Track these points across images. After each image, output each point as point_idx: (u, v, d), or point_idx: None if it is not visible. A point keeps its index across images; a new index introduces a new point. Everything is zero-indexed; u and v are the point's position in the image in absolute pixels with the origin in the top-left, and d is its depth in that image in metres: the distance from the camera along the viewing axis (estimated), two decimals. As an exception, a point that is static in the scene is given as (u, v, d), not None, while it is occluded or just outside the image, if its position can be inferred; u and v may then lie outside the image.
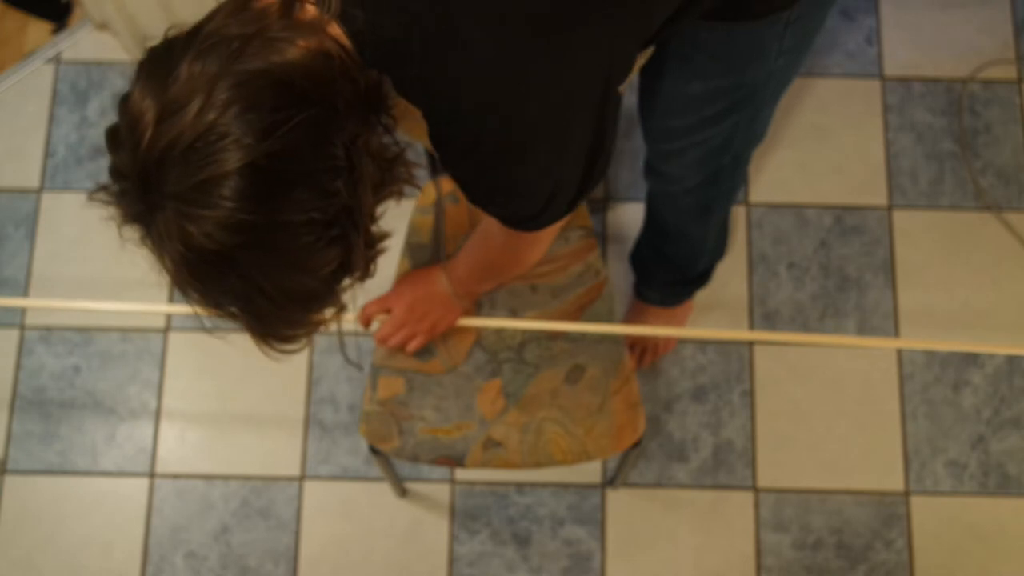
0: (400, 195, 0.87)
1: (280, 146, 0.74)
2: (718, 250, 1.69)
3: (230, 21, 0.77)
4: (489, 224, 1.08)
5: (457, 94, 0.83)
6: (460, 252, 1.29)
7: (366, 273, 0.87)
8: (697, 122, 1.22)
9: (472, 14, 0.80)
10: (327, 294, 0.85)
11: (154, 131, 0.74)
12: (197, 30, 0.78)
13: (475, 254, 1.23)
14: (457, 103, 0.84)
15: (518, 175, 0.92)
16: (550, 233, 1.06)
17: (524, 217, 0.99)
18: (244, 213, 0.74)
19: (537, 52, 0.83)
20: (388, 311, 1.33)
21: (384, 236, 0.87)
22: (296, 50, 0.76)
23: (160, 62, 0.77)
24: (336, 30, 0.80)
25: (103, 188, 0.81)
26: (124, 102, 0.78)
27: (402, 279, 1.36)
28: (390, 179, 0.84)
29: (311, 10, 0.80)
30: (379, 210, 0.86)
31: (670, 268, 1.69)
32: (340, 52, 0.79)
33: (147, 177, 0.75)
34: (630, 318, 1.81)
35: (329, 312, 0.88)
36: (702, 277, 1.71)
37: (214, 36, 0.76)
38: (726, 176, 1.40)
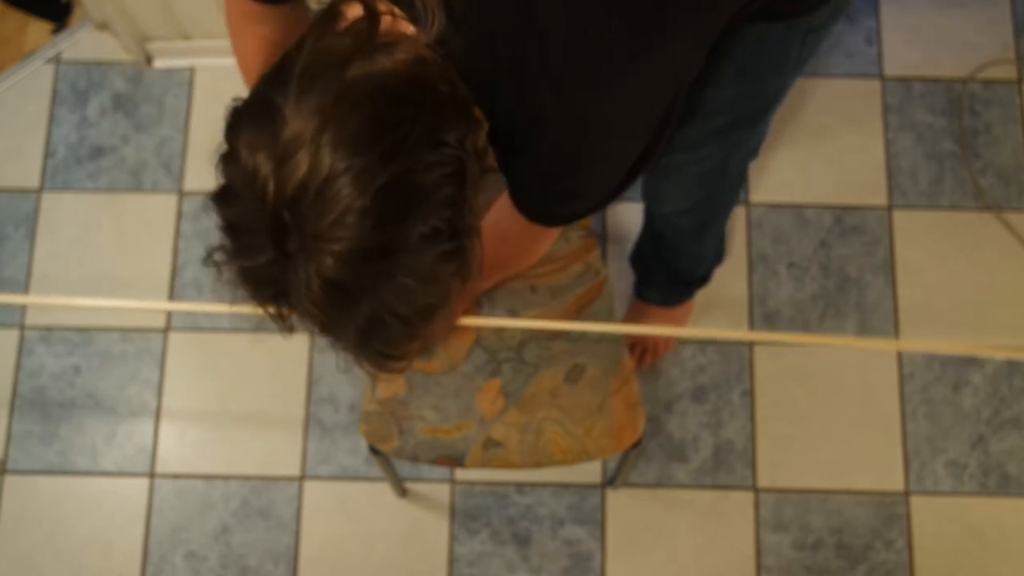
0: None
1: (405, 163, 0.73)
2: (717, 257, 1.69)
3: (323, 47, 0.75)
4: (499, 219, 1.09)
5: (542, 106, 0.83)
6: None
7: (474, 274, 0.85)
8: (702, 134, 1.21)
9: (561, 31, 0.80)
10: (446, 302, 0.83)
11: (276, 180, 0.72)
12: (287, 66, 0.75)
13: (486, 251, 1.23)
14: (542, 114, 0.84)
15: (587, 180, 0.93)
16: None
17: (569, 215, 1.00)
18: (380, 235, 0.73)
19: (622, 61, 0.82)
20: None
21: (478, 231, 0.85)
22: (396, 61, 0.75)
23: (260, 110, 0.75)
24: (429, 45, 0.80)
25: (214, 251, 0.79)
26: (230, 159, 0.76)
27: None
28: (482, 172, 0.83)
29: (407, 26, 0.79)
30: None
31: (670, 271, 1.69)
32: (435, 57, 0.78)
33: (280, 224, 0.73)
34: (631, 318, 1.81)
35: (443, 322, 0.86)
36: (702, 279, 1.71)
37: (312, 67, 0.74)
38: (720, 197, 1.41)
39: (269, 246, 0.75)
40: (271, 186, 0.72)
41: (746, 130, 1.23)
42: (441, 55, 0.79)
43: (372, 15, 0.77)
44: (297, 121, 0.72)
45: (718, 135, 1.22)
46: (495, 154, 0.92)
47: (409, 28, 0.80)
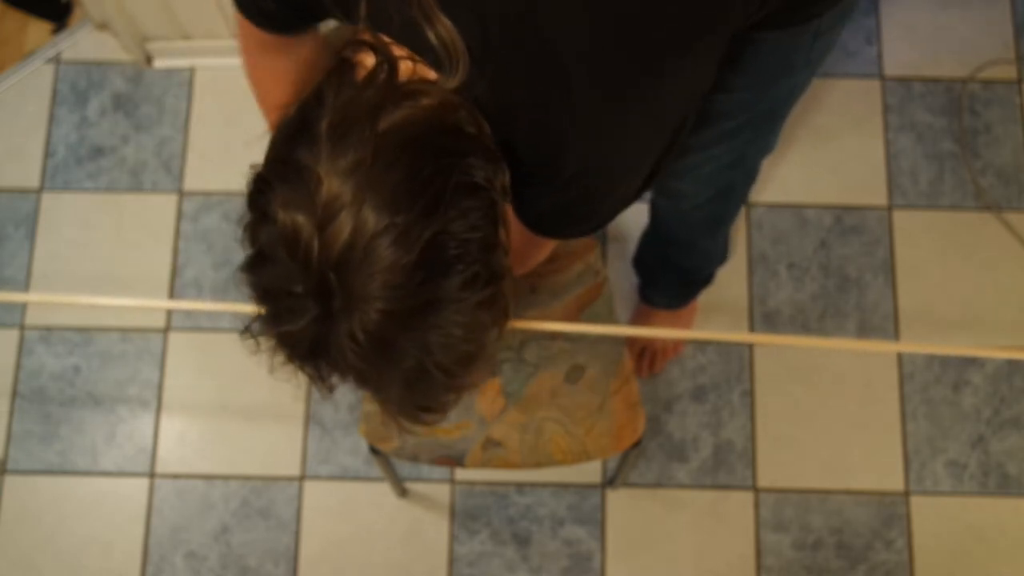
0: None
1: (446, 214, 0.72)
2: (724, 255, 1.69)
3: (347, 101, 0.74)
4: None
5: (564, 141, 0.82)
6: None
7: (509, 318, 0.84)
8: (715, 136, 1.21)
9: (583, 67, 0.79)
10: (485, 350, 0.81)
11: (320, 242, 0.70)
12: (310, 122, 0.74)
13: None
14: (563, 149, 0.83)
15: (604, 202, 0.93)
16: None
17: (580, 231, 1.00)
18: (426, 288, 0.72)
19: (642, 91, 0.82)
20: None
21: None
22: (424, 108, 0.74)
23: (290, 171, 0.73)
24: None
25: (251, 323, 0.78)
26: (262, 224, 0.74)
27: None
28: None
29: (427, 71, 0.78)
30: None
31: (676, 272, 1.68)
32: (459, 100, 0.77)
33: (325, 285, 0.72)
34: (636, 323, 1.81)
35: (481, 371, 0.85)
36: (707, 279, 1.71)
37: (340, 123, 0.73)
38: (737, 189, 1.40)
39: (312, 307, 0.73)
40: (315, 249, 0.71)
41: (760, 128, 1.23)
42: (463, 96, 0.77)
43: (390, 62, 0.76)
44: (334, 181, 0.70)
45: (731, 136, 1.21)
46: (516, 195, 0.90)
47: (430, 73, 0.78)
